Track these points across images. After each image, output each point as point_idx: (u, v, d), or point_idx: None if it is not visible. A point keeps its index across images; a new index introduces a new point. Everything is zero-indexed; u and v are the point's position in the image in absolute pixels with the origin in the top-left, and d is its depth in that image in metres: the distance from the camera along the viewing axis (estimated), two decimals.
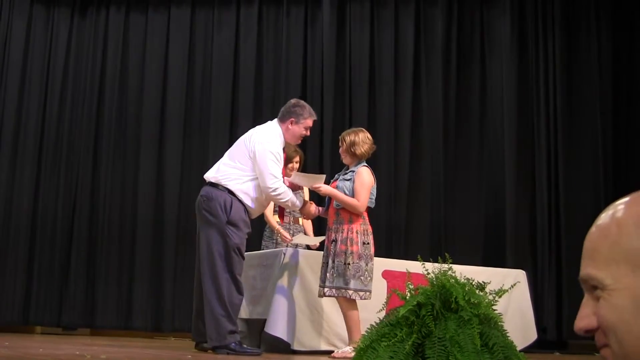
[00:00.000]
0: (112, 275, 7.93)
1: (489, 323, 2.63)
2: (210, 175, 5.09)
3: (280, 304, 5.16)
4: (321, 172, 7.91)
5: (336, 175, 5.29)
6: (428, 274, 2.77)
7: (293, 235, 5.97)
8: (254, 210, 5.08)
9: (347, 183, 5.02)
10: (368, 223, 5.06)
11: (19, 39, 8.28)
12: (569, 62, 7.91)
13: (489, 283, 2.84)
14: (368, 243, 4.94)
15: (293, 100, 5.40)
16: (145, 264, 7.95)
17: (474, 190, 7.97)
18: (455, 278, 2.72)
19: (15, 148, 8.09)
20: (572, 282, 7.22)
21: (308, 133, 5.37)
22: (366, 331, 2.66)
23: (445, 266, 2.81)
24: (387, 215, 7.79)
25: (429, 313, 2.56)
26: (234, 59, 8.32)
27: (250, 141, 5.09)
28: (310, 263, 5.40)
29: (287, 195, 5.04)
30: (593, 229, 0.94)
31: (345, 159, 5.21)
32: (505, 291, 2.86)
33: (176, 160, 8.16)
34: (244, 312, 5.51)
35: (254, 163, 5.00)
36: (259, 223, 6.47)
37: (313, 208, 5.24)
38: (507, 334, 2.68)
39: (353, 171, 5.07)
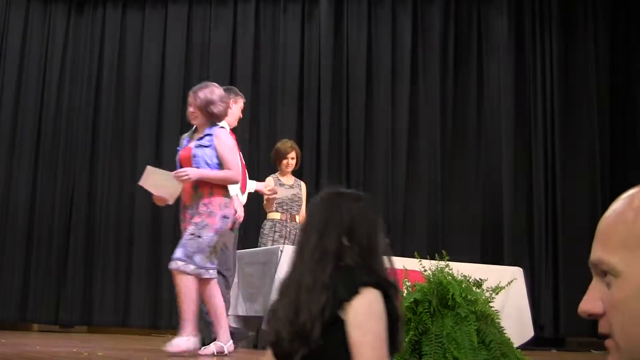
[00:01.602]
0: (110, 273, 7.92)
1: (485, 320, 2.64)
2: None
3: None
4: (318, 170, 7.95)
5: (184, 142, 4.56)
6: (425, 271, 2.78)
7: (289, 234, 5.98)
8: (236, 195, 5.06)
9: (207, 150, 4.35)
10: (230, 194, 4.49)
11: (16, 35, 8.26)
12: (566, 60, 7.91)
13: (486, 280, 2.85)
14: (227, 217, 4.38)
15: (223, 87, 5.50)
16: (143, 261, 7.94)
17: (471, 188, 7.98)
18: (452, 275, 2.73)
19: (13, 145, 8.07)
20: (569, 280, 7.23)
21: (241, 115, 5.43)
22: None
23: (442, 263, 2.82)
24: (385, 213, 7.79)
25: (426, 310, 2.56)
26: (231, 56, 8.31)
27: None
28: None
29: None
30: (608, 213, 0.91)
31: (196, 120, 4.45)
32: (502, 288, 2.88)
33: (173, 158, 8.08)
34: (241, 309, 5.52)
35: None
36: (257, 220, 6.47)
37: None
38: (504, 331, 2.69)
39: (210, 135, 4.40)
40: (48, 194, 8.05)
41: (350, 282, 1.60)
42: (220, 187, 4.32)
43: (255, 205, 6.42)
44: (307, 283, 1.63)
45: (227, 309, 5.09)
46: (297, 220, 6.09)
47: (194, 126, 4.54)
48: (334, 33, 8.24)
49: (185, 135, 4.57)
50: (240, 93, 5.45)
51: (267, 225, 6.05)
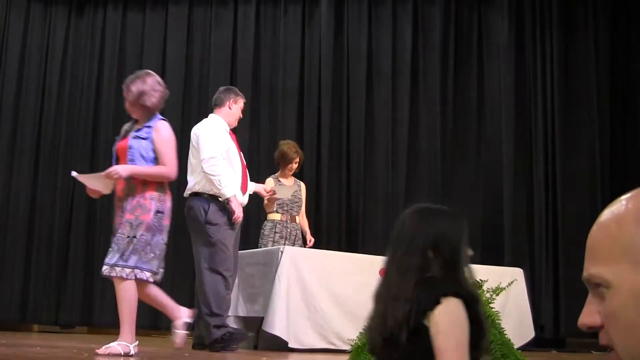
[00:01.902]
0: None
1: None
2: (187, 192, 5.20)
3: (277, 302, 5.16)
4: (319, 171, 7.95)
5: (123, 132, 4.44)
6: None
7: (290, 234, 5.98)
8: (234, 195, 5.07)
9: (144, 142, 4.24)
10: (167, 187, 4.37)
11: (16, 38, 8.27)
12: (566, 60, 7.91)
13: (486, 281, 2.85)
14: (162, 212, 4.26)
15: (222, 88, 5.51)
16: None
17: (472, 189, 7.97)
18: None
19: (13, 146, 8.08)
20: (569, 281, 7.23)
21: (241, 115, 5.40)
22: (363, 329, 2.66)
23: None
24: (385, 214, 7.80)
25: None
26: (231, 58, 8.32)
27: (193, 138, 5.18)
28: (309, 261, 5.41)
29: (218, 172, 4.92)
30: (595, 227, 0.92)
31: (134, 114, 4.36)
32: (502, 289, 2.88)
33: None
34: (241, 310, 5.52)
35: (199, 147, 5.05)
36: (257, 221, 6.47)
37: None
38: (505, 332, 2.69)
39: (149, 127, 4.28)
40: (48, 195, 8.05)
41: (433, 293, 1.73)
42: (154, 182, 4.21)
43: (256, 206, 6.42)
44: (394, 294, 1.78)
45: (227, 309, 5.08)
46: (297, 221, 6.09)
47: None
48: (335, 34, 8.24)
49: (126, 126, 4.46)
50: (240, 93, 5.43)
51: (267, 226, 6.05)
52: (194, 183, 5.09)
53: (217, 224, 4.97)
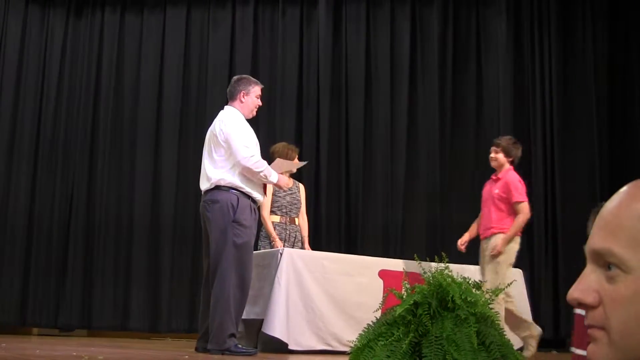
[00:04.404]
0: (109, 276, 7.92)
1: (485, 322, 2.63)
2: (207, 185, 4.96)
3: (277, 304, 5.16)
4: (318, 173, 7.96)
5: None
6: (424, 273, 2.77)
7: (289, 236, 5.96)
8: (260, 192, 5.03)
9: None
10: None
11: (14, 40, 8.26)
12: (565, 62, 7.92)
13: (486, 282, 2.84)
14: None
15: (235, 77, 5.25)
16: (142, 265, 7.94)
17: (471, 190, 7.96)
18: (451, 277, 2.72)
19: (12, 149, 8.07)
20: (569, 281, 7.22)
21: (260, 102, 5.13)
22: (363, 330, 2.66)
23: (442, 265, 2.82)
24: (384, 215, 7.80)
25: (426, 312, 2.55)
26: (229, 59, 8.32)
27: (216, 130, 4.98)
28: (308, 263, 5.40)
29: (263, 165, 4.89)
30: (617, 202, 0.86)
31: None
32: (502, 290, 2.87)
33: (172, 160, 8.15)
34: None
35: (228, 145, 4.90)
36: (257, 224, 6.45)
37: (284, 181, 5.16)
38: (504, 333, 2.68)
39: None
40: (47, 197, 8.04)
41: None
42: None
43: None
44: None
45: (241, 313, 4.97)
46: (296, 222, 6.06)
47: None
48: (333, 36, 8.24)
49: None
50: (254, 80, 5.13)
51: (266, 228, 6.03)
52: (218, 178, 4.88)
53: (246, 226, 4.86)
